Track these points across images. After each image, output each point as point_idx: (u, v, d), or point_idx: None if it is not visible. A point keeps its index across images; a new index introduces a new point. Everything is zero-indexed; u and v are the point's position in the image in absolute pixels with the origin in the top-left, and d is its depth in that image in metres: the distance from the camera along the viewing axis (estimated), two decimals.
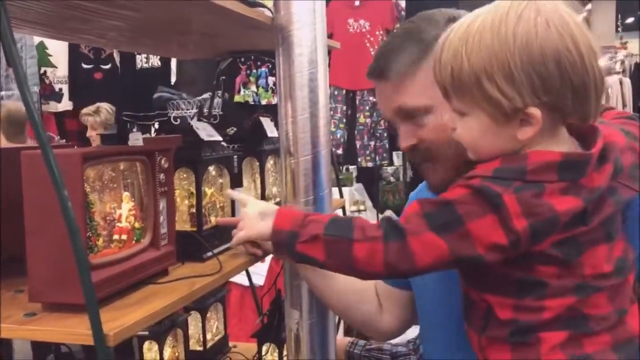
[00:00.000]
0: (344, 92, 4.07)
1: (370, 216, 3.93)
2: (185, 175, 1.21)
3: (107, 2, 1.07)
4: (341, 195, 2.01)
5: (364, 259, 0.86)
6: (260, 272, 3.17)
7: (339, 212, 1.93)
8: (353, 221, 0.90)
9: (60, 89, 4.82)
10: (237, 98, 4.33)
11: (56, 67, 4.85)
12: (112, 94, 4.50)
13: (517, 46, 0.81)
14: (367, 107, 4.02)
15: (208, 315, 1.92)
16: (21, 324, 0.83)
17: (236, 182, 1.41)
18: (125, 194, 1.01)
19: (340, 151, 4.12)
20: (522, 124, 0.84)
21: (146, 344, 1.67)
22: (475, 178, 0.84)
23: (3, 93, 4.67)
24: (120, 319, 0.85)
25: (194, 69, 4.41)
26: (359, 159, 4.11)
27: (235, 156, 1.36)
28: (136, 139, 1.40)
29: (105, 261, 0.93)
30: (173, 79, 4.73)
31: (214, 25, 1.35)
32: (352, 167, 4.20)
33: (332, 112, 4.10)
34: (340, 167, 4.08)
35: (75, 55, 4.77)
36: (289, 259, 0.95)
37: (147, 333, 1.67)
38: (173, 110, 4.70)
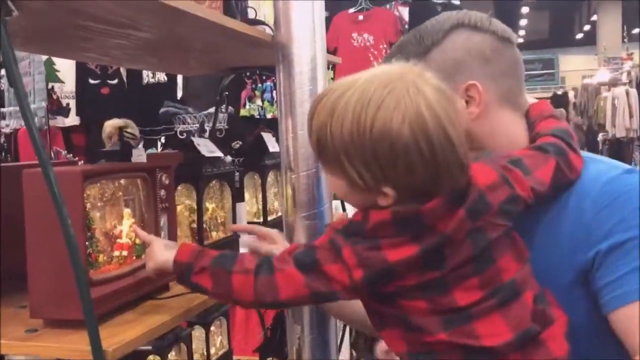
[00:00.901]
0: None
1: None
2: (186, 191, 1.23)
3: (110, 22, 1.09)
4: (344, 209, 2.01)
5: (238, 289, 0.94)
6: None
7: None
8: (238, 256, 0.99)
9: (68, 104, 4.86)
10: (242, 112, 4.36)
11: (64, 83, 4.89)
12: (119, 109, 4.53)
13: (372, 137, 0.86)
14: None
15: (212, 329, 1.92)
16: (21, 340, 0.84)
17: (238, 197, 1.42)
18: (126, 211, 1.02)
19: None
20: (380, 195, 0.90)
21: (150, 358, 1.67)
22: (333, 229, 0.92)
23: (11, 109, 4.73)
24: (120, 334, 0.86)
25: (200, 84, 4.45)
26: None
27: (236, 171, 1.37)
28: (139, 155, 1.42)
29: (105, 277, 0.94)
30: (179, 94, 4.77)
31: (216, 43, 1.36)
32: None
33: None
34: None
35: (82, 71, 4.81)
36: (188, 288, 1.03)
37: (150, 348, 1.68)
38: (179, 124, 4.73)
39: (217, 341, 1.98)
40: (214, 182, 1.28)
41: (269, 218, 1.52)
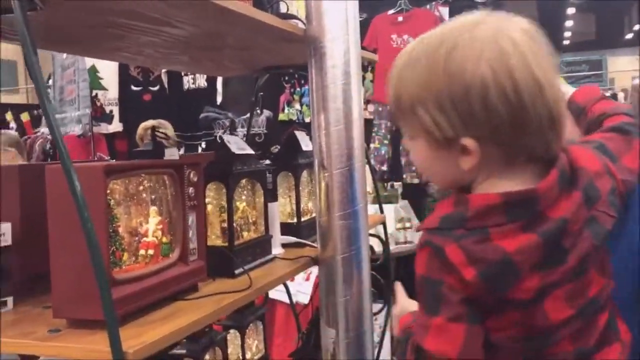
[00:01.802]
0: (389, 107, 4.01)
1: (417, 234, 3.84)
2: (217, 190, 1.19)
3: (141, 17, 1.07)
4: (381, 211, 1.96)
5: None
6: (305, 291, 3.14)
7: (380, 229, 1.88)
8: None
9: (111, 111, 4.95)
10: (281, 116, 4.35)
11: (107, 90, 4.98)
12: (160, 115, 4.58)
13: (445, 78, 0.77)
14: None
15: (247, 333, 1.89)
16: (43, 340, 0.81)
17: (270, 197, 1.38)
18: (153, 209, 0.99)
19: (385, 167, 4.06)
20: (462, 153, 0.79)
21: None
22: (425, 230, 0.81)
23: (56, 116, 4.82)
24: (143, 335, 0.83)
25: (239, 89, 4.46)
26: (405, 176, 4.04)
27: (267, 170, 1.33)
28: (172, 155, 1.40)
29: (130, 276, 0.91)
30: (219, 99, 4.79)
31: (248, 39, 1.33)
32: (397, 184, 4.13)
33: (376, 128, 4.05)
34: (385, 184, 4.02)
35: (125, 78, 4.89)
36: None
37: (184, 351, 1.65)
38: (219, 129, 4.75)
39: (253, 345, 1.95)
40: (244, 180, 1.24)
41: (303, 219, 1.48)
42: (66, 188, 0.78)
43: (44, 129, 4.80)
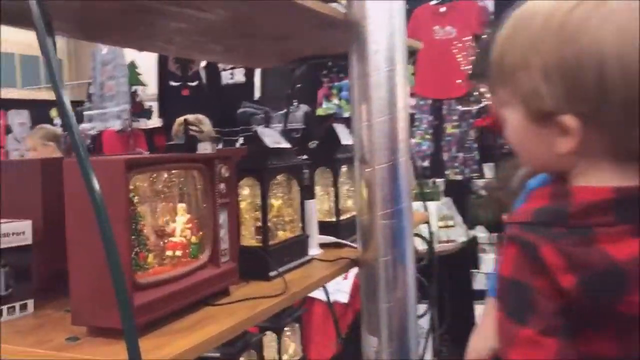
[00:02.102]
0: (430, 101, 3.88)
1: (460, 232, 3.70)
2: (251, 186, 1.11)
3: (169, 2, 1.00)
4: (425, 209, 1.85)
5: None
6: (344, 289, 3.05)
7: (423, 228, 1.77)
8: None
9: (150, 106, 4.96)
10: (319, 111, 4.26)
11: (146, 85, 4.99)
12: (198, 110, 4.56)
13: (560, 40, 0.66)
14: (455, 117, 3.80)
15: (284, 335, 1.81)
16: (59, 350, 0.74)
17: (307, 194, 1.29)
18: (181, 206, 0.92)
19: (426, 164, 3.93)
20: (560, 133, 0.68)
21: None
22: (516, 224, 0.69)
23: (97, 111, 4.87)
24: (167, 346, 0.75)
25: (277, 84, 4.40)
26: (447, 172, 3.90)
27: (304, 165, 1.24)
28: (205, 149, 1.33)
29: (155, 280, 0.83)
30: (257, 95, 4.74)
31: (284, 25, 1.25)
32: (439, 181, 3.99)
33: (417, 123, 3.92)
34: (427, 181, 3.89)
35: (163, 73, 4.89)
36: None
37: (218, 354, 1.58)
38: (257, 125, 4.70)
39: (290, 348, 1.87)
40: (280, 176, 1.16)
41: (342, 217, 1.38)
42: (84, 183, 0.70)
43: (85, 124, 4.83)
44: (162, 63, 4.81)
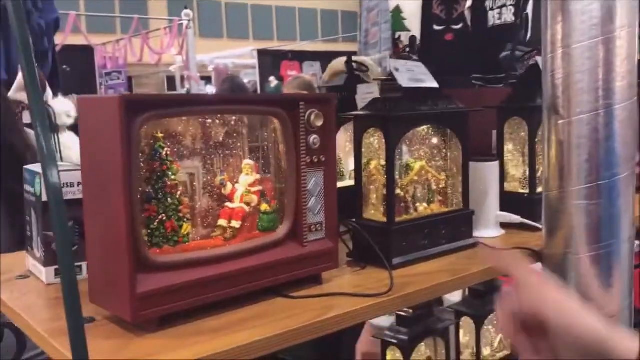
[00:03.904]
0: None
1: None
2: (377, 140, 0.83)
3: None
4: None
5: None
6: None
7: None
8: None
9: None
10: None
11: (409, 31, 4.79)
12: (461, 55, 4.21)
13: None
14: None
15: (486, 324, 1.50)
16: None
17: (488, 154, 0.95)
18: (247, 163, 0.69)
19: None
20: None
21: (390, 351, 1.35)
22: None
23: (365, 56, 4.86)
24: (177, 350, 0.55)
25: None
26: None
27: (464, 113, 0.89)
28: (368, 92, 1.09)
29: (187, 259, 0.63)
30: (528, 36, 4.17)
31: None
32: None
33: None
34: None
35: (427, 17, 4.62)
36: None
37: (394, 340, 1.35)
38: (523, 70, 4.16)
39: (495, 340, 1.55)
40: (425, 128, 0.84)
41: (538, 190, 1.00)
42: (94, 124, 0.54)
43: None
44: (427, 6, 4.54)
